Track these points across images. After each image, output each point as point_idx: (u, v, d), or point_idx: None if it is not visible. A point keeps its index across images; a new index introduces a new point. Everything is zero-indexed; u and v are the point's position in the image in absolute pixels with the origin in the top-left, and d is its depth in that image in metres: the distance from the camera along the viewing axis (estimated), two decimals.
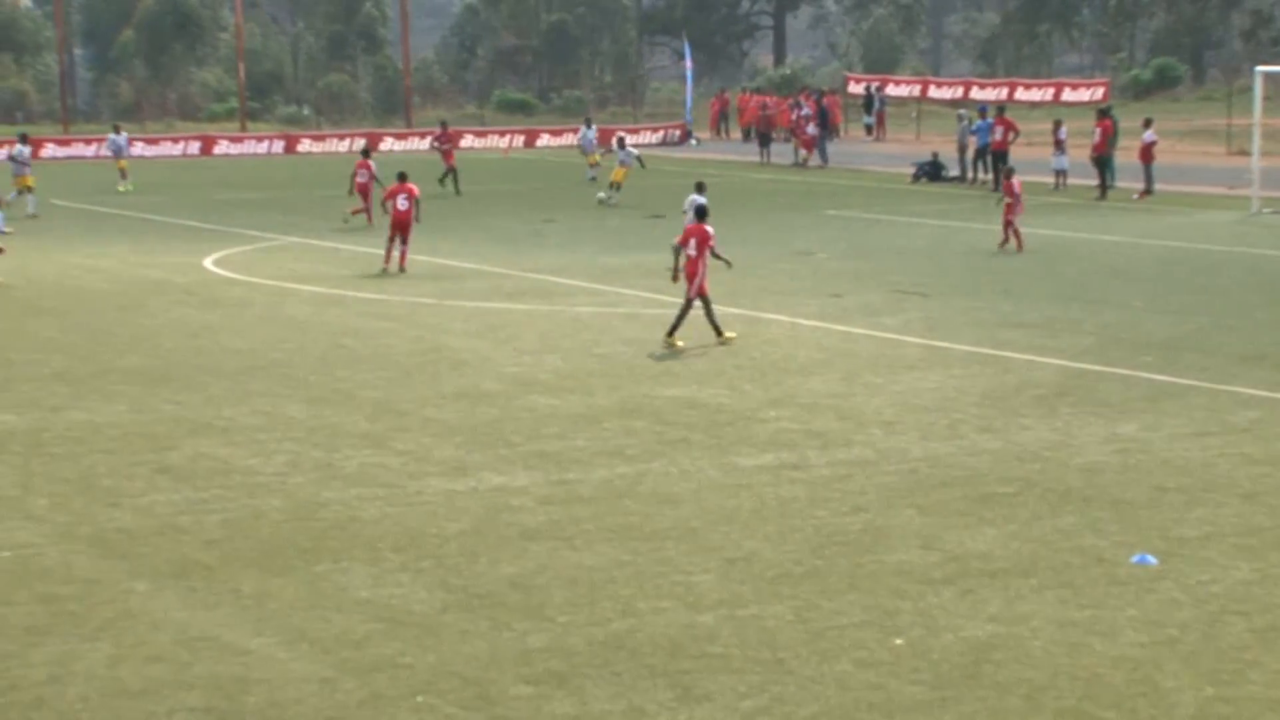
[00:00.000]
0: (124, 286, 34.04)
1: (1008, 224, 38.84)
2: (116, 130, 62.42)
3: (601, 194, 49.01)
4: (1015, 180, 38.94)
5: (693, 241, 26.58)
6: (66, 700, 12.49)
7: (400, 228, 35.39)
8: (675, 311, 26.85)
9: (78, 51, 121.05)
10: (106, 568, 15.65)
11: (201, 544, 16.31)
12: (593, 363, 25.46)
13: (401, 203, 35.52)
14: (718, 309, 26.91)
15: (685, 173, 61.43)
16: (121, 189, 56.77)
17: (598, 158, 56.79)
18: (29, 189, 47.92)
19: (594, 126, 62.32)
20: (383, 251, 35.93)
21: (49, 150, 73.63)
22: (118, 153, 59.51)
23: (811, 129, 65.93)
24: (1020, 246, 38.34)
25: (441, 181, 53.02)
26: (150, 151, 75.65)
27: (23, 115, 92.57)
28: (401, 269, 35.33)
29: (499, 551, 16.01)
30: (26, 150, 50.57)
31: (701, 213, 27.25)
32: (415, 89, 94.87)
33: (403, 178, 36.35)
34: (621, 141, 52.00)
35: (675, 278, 26.79)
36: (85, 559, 15.93)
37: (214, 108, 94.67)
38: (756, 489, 18.16)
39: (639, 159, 51.87)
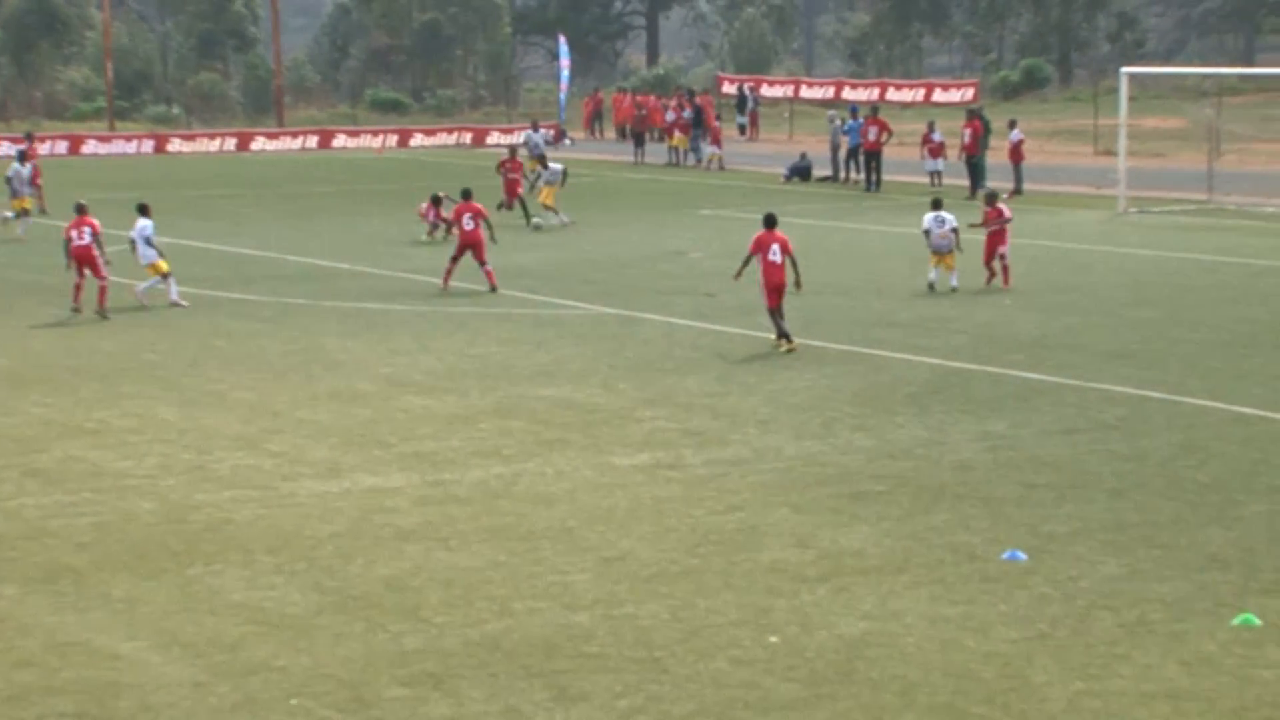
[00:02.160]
0: None
1: (992, 255, 32.66)
2: None
3: (537, 219, 46.61)
4: (1002, 205, 33.18)
5: (775, 248, 26.35)
6: None
7: (469, 248, 33.28)
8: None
9: None
10: None
11: (72, 548, 16.13)
12: (468, 363, 25.40)
13: (468, 222, 33.94)
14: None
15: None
16: None
17: (537, 164, 53.54)
18: (25, 211, 45.44)
19: (541, 130, 59.57)
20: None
21: None
22: None
23: (720, 125, 66.12)
24: (1007, 281, 32.73)
25: (513, 208, 46.85)
26: (16, 151, 74.43)
27: None
28: (492, 288, 32.79)
29: (374, 553, 15.96)
30: (26, 169, 47.54)
31: (770, 221, 26.68)
32: (287, 88, 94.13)
33: (467, 195, 34.17)
34: (543, 160, 49.86)
35: (738, 276, 27.10)
36: None
37: (81, 107, 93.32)
38: (632, 488, 18.20)
39: (564, 173, 48.92)
